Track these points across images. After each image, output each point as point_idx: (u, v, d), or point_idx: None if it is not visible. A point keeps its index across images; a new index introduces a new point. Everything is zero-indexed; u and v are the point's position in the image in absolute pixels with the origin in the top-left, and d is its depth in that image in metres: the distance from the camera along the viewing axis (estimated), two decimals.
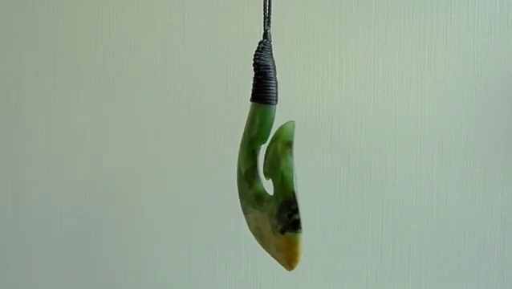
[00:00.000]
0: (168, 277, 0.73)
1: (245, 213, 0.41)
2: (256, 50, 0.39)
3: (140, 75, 0.72)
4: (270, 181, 0.39)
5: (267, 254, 0.40)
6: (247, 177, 0.40)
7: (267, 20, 0.40)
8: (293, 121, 0.39)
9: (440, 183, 0.72)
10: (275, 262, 0.39)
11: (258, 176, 0.40)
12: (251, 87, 0.40)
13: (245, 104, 0.41)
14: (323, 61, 0.71)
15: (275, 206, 0.38)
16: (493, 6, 0.71)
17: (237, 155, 0.41)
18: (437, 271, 0.72)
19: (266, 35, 0.40)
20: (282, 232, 0.37)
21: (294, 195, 0.37)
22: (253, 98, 0.39)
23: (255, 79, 0.39)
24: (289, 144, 0.38)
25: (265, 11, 0.41)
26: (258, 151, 0.40)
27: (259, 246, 0.41)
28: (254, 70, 0.39)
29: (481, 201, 0.72)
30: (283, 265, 0.38)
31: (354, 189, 0.72)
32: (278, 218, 0.37)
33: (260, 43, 0.39)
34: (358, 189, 0.72)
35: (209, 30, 0.71)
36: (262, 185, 0.40)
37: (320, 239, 0.72)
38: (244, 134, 0.41)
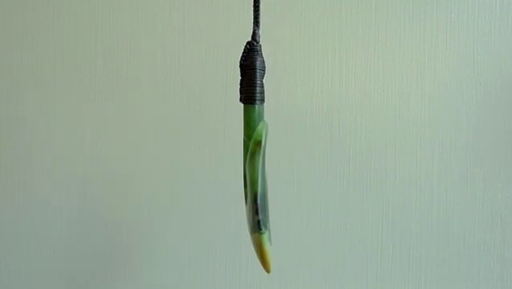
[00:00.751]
0: (168, 277, 0.73)
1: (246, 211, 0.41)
2: (242, 52, 0.40)
3: (140, 75, 0.72)
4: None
5: None
6: (245, 176, 0.40)
7: (256, 20, 0.41)
8: (263, 121, 0.39)
9: (440, 183, 0.72)
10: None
11: None
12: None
13: None
14: (323, 61, 0.71)
15: (249, 206, 0.38)
16: (493, 6, 0.71)
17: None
18: (437, 271, 0.72)
19: (254, 36, 0.40)
20: (251, 232, 0.38)
21: (255, 195, 0.37)
22: (239, 98, 0.40)
23: (240, 80, 0.40)
24: (258, 144, 0.38)
25: (254, 12, 0.41)
26: None
27: None
28: (240, 70, 0.40)
29: (481, 201, 0.72)
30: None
31: (354, 189, 0.72)
32: (248, 218, 0.38)
33: (246, 44, 0.40)
34: (358, 189, 0.72)
35: (209, 30, 0.71)
36: None
37: (320, 239, 0.72)
38: None
